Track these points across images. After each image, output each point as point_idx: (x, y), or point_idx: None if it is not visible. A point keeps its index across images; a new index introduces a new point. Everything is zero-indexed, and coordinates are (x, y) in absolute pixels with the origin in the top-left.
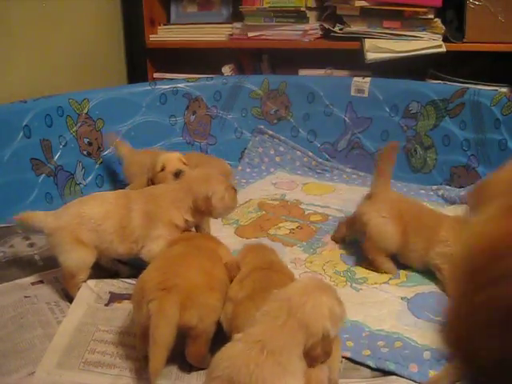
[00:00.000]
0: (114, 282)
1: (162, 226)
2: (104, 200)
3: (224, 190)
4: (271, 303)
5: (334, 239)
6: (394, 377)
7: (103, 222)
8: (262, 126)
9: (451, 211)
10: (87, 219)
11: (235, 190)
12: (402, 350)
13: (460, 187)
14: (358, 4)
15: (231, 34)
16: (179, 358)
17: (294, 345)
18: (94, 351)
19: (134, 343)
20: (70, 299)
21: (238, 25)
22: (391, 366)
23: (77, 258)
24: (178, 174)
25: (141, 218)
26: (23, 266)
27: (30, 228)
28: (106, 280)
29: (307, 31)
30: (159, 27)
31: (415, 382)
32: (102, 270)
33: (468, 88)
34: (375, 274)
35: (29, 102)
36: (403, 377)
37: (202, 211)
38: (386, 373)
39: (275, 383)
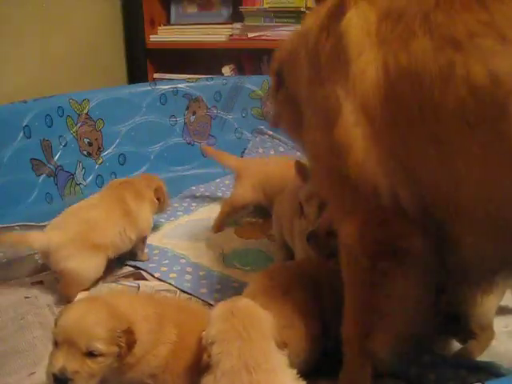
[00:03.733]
0: (113, 284)
1: (147, 202)
2: (94, 205)
3: (165, 187)
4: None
5: None
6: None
7: (108, 220)
8: (262, 127)
9: None
10: (93, 223)
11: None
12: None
13: None
14: None
15: (231, 35)
16: None
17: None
18: None
19: None
20: (70, 300)
21: (237, 25)
22: (391, 369)
23: (95, 265)
24: None
25: (133, 201)
26: (23, 266)
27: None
28: (104, 283)
29: None
30: (159, 28)
31: None
32: None
33: None
34: None
35: (29, 102)
36: (402, 378)
37: (160, 199)
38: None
39: None
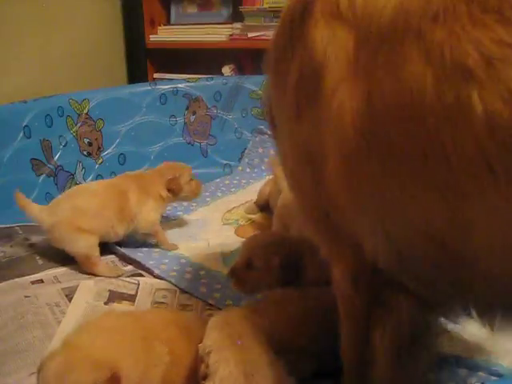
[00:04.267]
0: (113, 280)
1: (152, 200)
2: (94, 191)
3: (189, 175)
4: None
5: None
6: None
7: (102, 211)
8: (262, 127)
9: None
10: (84, 210)
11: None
12: None
13: None
14: None
15: (231, 35)
16: None
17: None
18: None
19: None
20: (70, 299)
21: (237, 25)
22: None
23: (84, 245)
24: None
25: (136, 196)
26: (23, 265)
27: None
28: (105, 278)
29: None
30: (159, 27)
31: None
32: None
33: None
34: None
35: (29, 102)
36: None
37: (174, 189)
38: None
39: None
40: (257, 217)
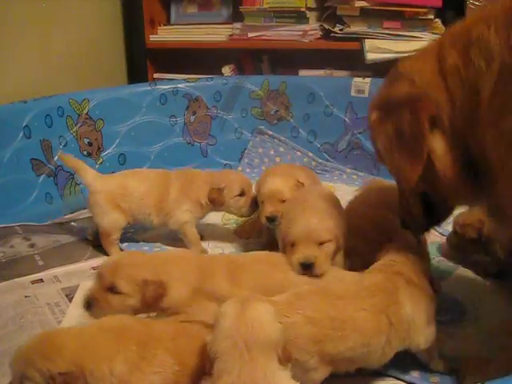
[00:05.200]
0: None
1: (190, 202)
2: (146, 177)
3: (238, 189)
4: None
5: None
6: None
7: (145, 198)
8: (262, 127)
9: None
10: (130, 192)
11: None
12: (403, 356)
13: None
14: (357, 4)
15: (231, 35)
16: None
17: None
18: None
19: None
20: (70, 299)
21: (237, 25)
22: (392, 372)
23: (111, 220)
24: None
25: (175, 193)
26: (23, 265)
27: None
28: None
29: (307, 32)
30: (159, 27)
31: None
32: None
33: None
34: None
35: (29, 102)
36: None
37: (214, 200)
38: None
39: None
40: (256, 217)
